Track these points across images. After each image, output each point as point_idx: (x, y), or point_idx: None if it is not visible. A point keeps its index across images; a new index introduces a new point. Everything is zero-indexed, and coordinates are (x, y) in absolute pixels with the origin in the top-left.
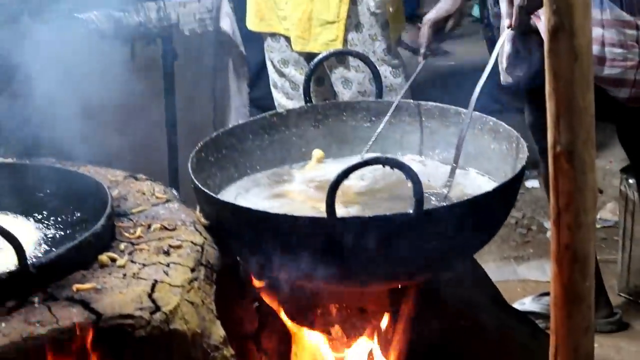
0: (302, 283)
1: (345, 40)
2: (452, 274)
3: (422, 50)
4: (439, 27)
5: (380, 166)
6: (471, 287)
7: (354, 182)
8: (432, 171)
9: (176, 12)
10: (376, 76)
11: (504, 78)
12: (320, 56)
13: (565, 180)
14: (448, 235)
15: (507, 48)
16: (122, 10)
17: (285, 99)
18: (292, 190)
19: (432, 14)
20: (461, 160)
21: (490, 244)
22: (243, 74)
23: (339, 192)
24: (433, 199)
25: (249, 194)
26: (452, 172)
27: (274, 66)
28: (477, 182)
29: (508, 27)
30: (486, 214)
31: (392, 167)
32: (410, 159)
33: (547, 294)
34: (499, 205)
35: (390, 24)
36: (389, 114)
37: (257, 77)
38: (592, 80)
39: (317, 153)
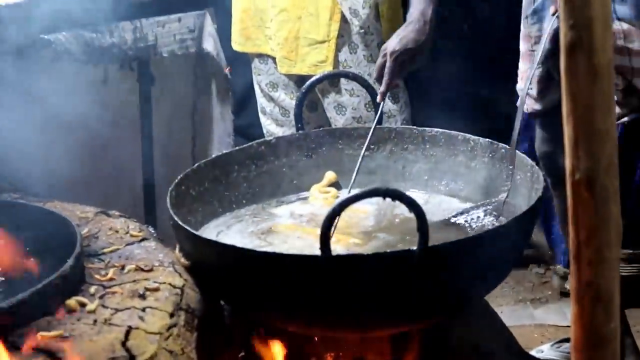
0: (294, 329)
1: (337, 62)
2: (462, 318)
3: (383, 89)
4: (403, 61)
5: (388, 199)
6: (483, 332)
7: (354, 217)
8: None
9: (154, 32)
10: (374, 100)
11: (532, 105)
12: (312, 79)
13: (585, 211)
14: (456, 274)
15: (537, 71)
16: (93, 31)
17: (275, 126)
18: (282, 226)
19: (396, 44)
20: (470, 190)
21: (503, 285)
22: (227, 99)
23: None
24: (481, 214)
25: (232, 230)
26: (511, 176)
27: (262, 90)
28: (488, 215)
29: (553, 14)
30: (499, 250)
31: (393, 199)
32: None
33: (568, 339)
34: (513, 241)
35: None
36: (367, 140)
37: (243, 103)
38: (613, 101)
39: (329, 175)
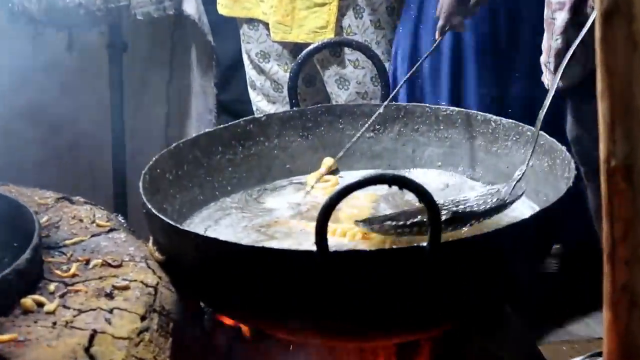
0: (285, 336)
1: (339, 28)
2: (479, 326)
3: (441, 23)
4: None
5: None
6: (504, 344)
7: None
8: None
9: None
10: (382, 73)
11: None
12: (310, 48)
13: (622, 203)
14: (473, 274)
15: (556, 43)
16: None
17: (266, 103)
18: (273, 217)
19: None
20: (490, 178)
21: None
22: (210, 70)
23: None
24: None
25: (219, 223)
26: (529, 158)
27: (252, 61)
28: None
29: None
30: (522, 248)
31: (400, 187)
32: (427, 177)
33: (600, 354)
34: (539, 238)
35: (396, 8)
36: (373, 117)
37: (229, 76)
38: None
39: (328, 162)
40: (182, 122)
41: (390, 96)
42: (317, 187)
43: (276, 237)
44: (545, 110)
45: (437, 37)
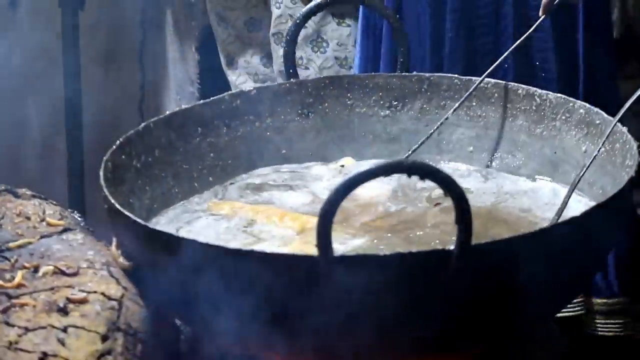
0: (282, 357)
1: None
2: (520, 347)
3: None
4: None
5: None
6: None
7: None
8: (496, 186)
9: None
10: (401, 35)
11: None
12: (313, 3)
13: None
14: (510, 285)
15: None
16: None
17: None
18: (267, 215)
19: None
20: (534, 167)
21: None
22: (190, 31)
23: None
24: None
25: (196, 222)
26: (566, 200)
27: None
28: (557, 201)
29: None
30: (573, 251)
31: (422, 178)
32: (455, 168)
33: None
34: (594, 239)
35: None
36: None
37: (213, 37)
38: None
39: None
40: (158, 95)
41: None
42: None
43: (262, 237)
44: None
45: (541, 13)
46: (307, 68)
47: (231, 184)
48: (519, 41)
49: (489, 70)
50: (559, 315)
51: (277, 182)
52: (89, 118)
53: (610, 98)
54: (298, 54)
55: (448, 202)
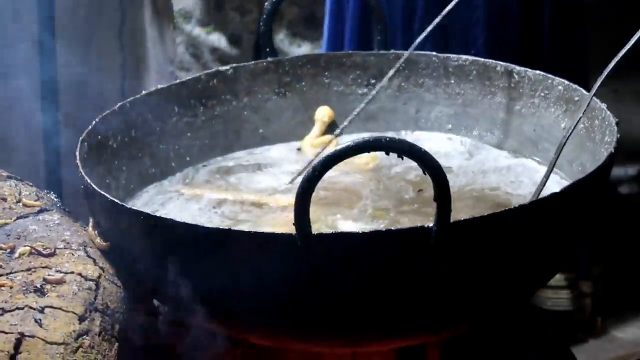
0: (260, 341)
1: None
2: (497, 328)
3: None
4: None
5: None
6: (528, 349)
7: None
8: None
9: None
10: (377, 12)
11: None
12: None
13: None
14: (491, 262)
15: None
16: None
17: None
18: (246, 195)
19: None
20: (513, 144)
21: None
22: (166, 9)
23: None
24: None
25: (172, 203)
26: (545, 179)
27: None
28: (537, 178)
29: None
30: (550, 230)
31: (399, 155)
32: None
33: None
34: (574, 216)
35: None
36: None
37: None
38: None
39: (324, 113)
40: (139, 75)
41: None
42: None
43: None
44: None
45: None
46: (299, 46)
47: (204, 166)
48: (447, 9)
49: (416, 42)
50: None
51: (250, 162)
52: (66, 100)
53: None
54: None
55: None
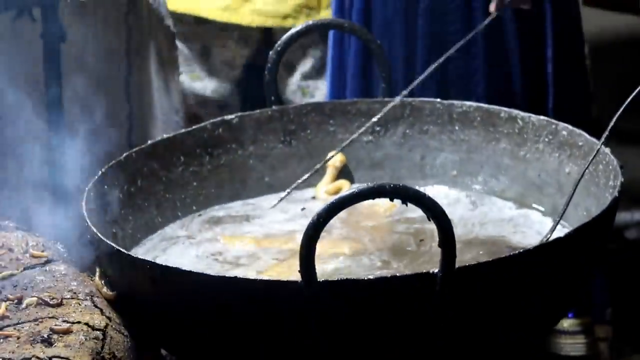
0: None
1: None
2: None
3: None
4: None
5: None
6: None
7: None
8: (484, 212)
9: None
10: (382, 60)
11: None
12: (291, 31)
13: None
14: (496, 307)
15: None
16: None
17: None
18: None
19: None
20: (519, 190)
21: None
22: (172, 61)
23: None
24: None
25: (174, 251)
26: (552, 229)
27: None
28: (541, 228)
29: None
30: (555, 274)
31: (403, 201)
32: (440, 192)
33: None
34: (579, 259)
35: None
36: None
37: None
38: None
39: (335, 158)
40: (145, 125)
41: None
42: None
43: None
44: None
45: (492, 9)
46: (312, 96)
47: (199, 215)
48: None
49: (410, 87)
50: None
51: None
52: (73, 151)
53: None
54: (305, 82)
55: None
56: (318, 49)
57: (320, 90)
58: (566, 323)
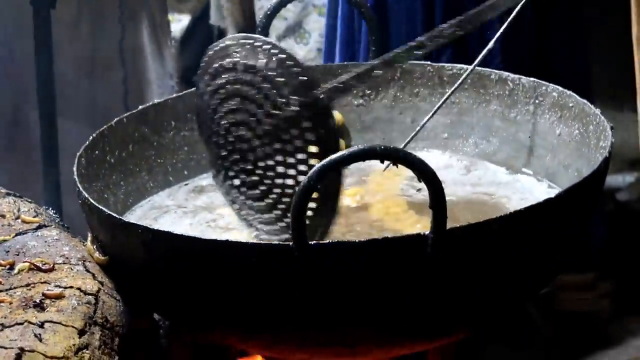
0: (259, 351)
1: None
2: (496, 332)
3: None
4: None
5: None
6: (528, 354)
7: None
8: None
9: None
10: (373, 24)
11: None
12: None
13: None
14: (487, 269)
15: None
16: None
17: None
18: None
19: None
20: (510, 153)
21: None
22: (165, 26)
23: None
24: None
25: (167, 217)
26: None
27: None
28: (533, 189)
29: None
30: (548, 234)
31: (394, 163)
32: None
33: None
34: (570, 220)
35: None
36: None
37: (191, 35)
38: None
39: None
40: (140, 89)
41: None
42: None
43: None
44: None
45: None
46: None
47: (185, 184)
48: (503, 26)
49: (477, 60)
50: None
51: None
52: (66, 116)
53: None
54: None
55: None
56: (290, 11)
57: (297, 55)
58: (570, 279)
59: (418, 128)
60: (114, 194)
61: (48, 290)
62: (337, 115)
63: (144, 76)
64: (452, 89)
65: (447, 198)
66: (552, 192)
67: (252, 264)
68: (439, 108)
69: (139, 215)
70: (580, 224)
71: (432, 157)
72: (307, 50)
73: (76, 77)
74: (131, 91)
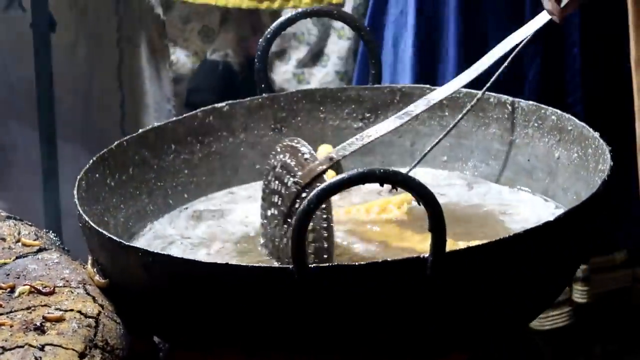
0: None
1: None
2: (496, 354)
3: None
4: None
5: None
6: None
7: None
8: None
9: None
10: (372, 48)
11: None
12: (281, 19)
13: None
14: (487, 291)
15: None
16: None
17: None
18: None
19: None
20: (509, 175)
21: None
22: (163, 50)
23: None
24: None
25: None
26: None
27: None
28: (533, 210)
29: None
30: (548, 256)
31: (393, 186)
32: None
33: None
34: (570, 242)
35: None
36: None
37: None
38: None
39: (324, 151)
40: (137, 113)
41: None
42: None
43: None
44: None
45: (558, 20)
46: (308, 82)
47: (185, 208)
48: (514, 52)
49: (488, 84)
50: (547, 327)
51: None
52: (63, 139)
53: None
54: (300, 69)
55: None
56: (313, 35)
57: (315, 77)
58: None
59: (426, 152)
60: (114, 217)
61: (48, 313)
62: (329, 148)
63: (141, 99)
64: (462, 114)
65: (451, 206)
66: (552, 215)
67: (252, 286)
68: (447, 134)
69: (158, 224)
70: (579, 246)
71: (433, 176)
72: (325, 72)
73: (73, 101)
74: (128, 114)
